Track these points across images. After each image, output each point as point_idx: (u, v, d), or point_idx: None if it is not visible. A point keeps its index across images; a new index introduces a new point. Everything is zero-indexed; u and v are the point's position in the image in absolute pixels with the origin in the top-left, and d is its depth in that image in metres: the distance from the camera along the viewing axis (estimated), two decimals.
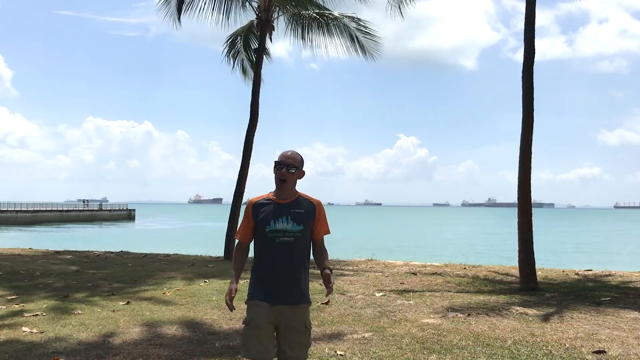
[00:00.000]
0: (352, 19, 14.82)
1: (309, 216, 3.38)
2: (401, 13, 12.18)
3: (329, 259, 3.55)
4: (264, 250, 3.34)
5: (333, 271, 3.73)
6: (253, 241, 3.45)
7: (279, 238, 3.29)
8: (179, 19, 14.40)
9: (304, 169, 3.46)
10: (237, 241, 3.55)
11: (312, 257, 3.52)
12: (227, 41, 16.18)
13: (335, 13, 14.84)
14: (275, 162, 3.37)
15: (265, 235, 3.32)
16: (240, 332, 3.32)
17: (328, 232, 3.54)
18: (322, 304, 7.48)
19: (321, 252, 3.52)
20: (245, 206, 3.50)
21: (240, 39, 15.85)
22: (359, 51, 15.02)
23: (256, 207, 3.39)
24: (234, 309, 3.36)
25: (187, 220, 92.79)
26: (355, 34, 14.88)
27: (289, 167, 3.34)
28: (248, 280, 3.46)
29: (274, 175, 3.38)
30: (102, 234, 52.87)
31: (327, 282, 3.35)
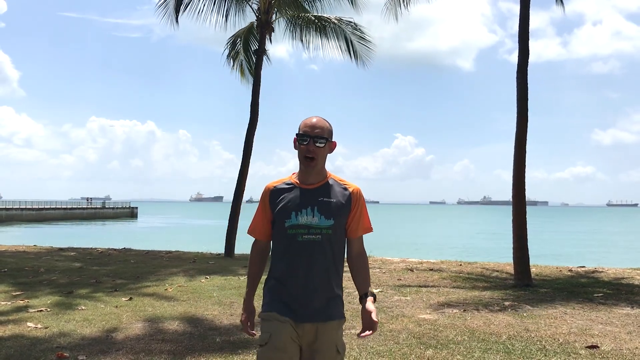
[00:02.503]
0: (349, 23, 14.92)
1: (342, 207, 2.55)
2: (396, 17, 12.24)
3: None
4: (282, 250, 2.55)
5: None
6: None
7: (302, 236, 2.49)
8: (177, 19, 14.47)
9: (334, 139, 2.60)
10: (253, 240, 2.73)
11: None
12: (228, 43, 16.28)
13: (332, 17, 14.93)
14: (297, 134, 2.53)
15: (284, 232, 2.52)
16: (257, 355, 2.53)
17: (370, 229, 2.68)
18: None
19: (359, 260, 2.66)
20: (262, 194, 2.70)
21: (241, 40, 15.94)
22: (352, 56, 15.14)
23: (274, 193, 2.58)
24: (254, 335, 2.61)
25: (189, 218, 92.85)
26: (351, 38, 14.98)
27: (316, 140, 2.49)
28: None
29: (297, 152, 2.55)
30: (105, 232, 53.02)
31: (368, 318, 2.49)
